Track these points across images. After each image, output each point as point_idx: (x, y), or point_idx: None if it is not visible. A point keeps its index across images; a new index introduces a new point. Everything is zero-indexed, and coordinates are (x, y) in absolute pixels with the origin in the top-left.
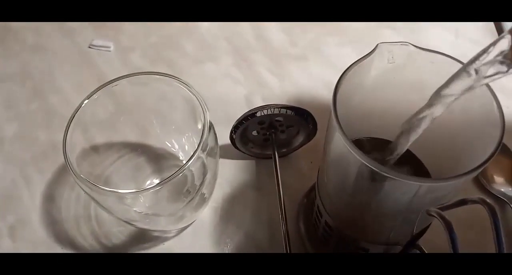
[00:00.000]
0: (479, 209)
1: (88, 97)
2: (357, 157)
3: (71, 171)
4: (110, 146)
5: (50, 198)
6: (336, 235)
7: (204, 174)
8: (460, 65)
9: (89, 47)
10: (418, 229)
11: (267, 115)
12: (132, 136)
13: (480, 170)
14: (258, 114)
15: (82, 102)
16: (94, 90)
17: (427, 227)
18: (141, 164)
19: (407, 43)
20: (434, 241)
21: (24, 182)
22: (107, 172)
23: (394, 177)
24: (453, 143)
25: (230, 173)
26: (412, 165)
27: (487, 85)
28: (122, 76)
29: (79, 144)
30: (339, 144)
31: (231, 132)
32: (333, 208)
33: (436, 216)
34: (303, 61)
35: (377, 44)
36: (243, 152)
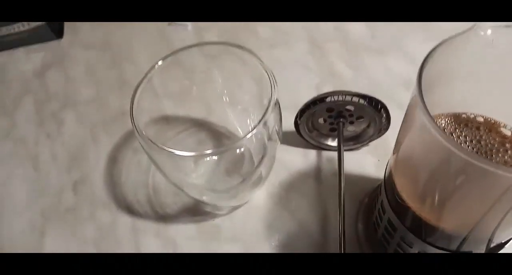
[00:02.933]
0: None
1: (156, 64)
2: (444, 142)
3: (134, 127)
4: (175, 118)
5: (113, 160)
6: (398, 236)
7: (262, 154)
8: None
9: (169, 24)
10: (497, 239)
11: (337, 101)
12: (198, 110)
13: None
14: (328, 99)
15: (150, 69)
16: (164, 57)
17: (504, 243)
18: (203, 139)
19: (509, 24)
20: None
21: (92, 142)
22: (169, 143)
23: (486, 166)
24: None
25: (291, 160)
26: None
27: None
28: (192, 44)
29: (146, 110)
30: (424, 128)
31: (296, 116)
32: (407, 199)
33: None
34: (382, 55)
35: (475, 23)
36: (306, 140)
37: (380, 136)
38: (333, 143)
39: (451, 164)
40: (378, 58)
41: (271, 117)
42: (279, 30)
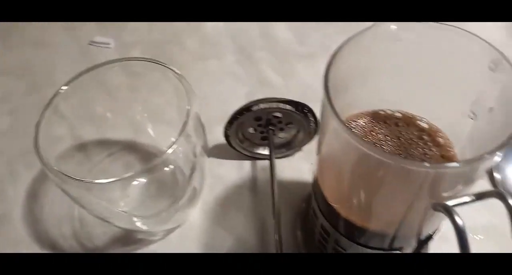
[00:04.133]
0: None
1: (71, 81)
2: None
3: (42, 162)
4: (97, 143)
5: (34, 195)
6: (332, 241)
7: (191, 170)
8: (473, 41)
9: (89, 44)
10: (424, 232)
11: (264, 109)
12: (122, 132)
13: (494, 155)
14: (254, 108)
15: (56, 94)
16: (78, 74)
17: (432, 234)
18: (131, 162)
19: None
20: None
21: (10, 177)
22: (94, 170)
23: (393, 162)
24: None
25: (225, 173)
26: None
27: None
28: (112, 60)
29: (59, 140)
30: (334, 129)
31: (225, 127)
32: (334, 203)
33: (443, 211)
34: (311, 59)
35: (373, 23)
36: (239, 151)
37: (311, 140)
38: (266, 151)
39: (366, 164)
40: (307, 63)
41: (191, 131)
42: (207, 42)
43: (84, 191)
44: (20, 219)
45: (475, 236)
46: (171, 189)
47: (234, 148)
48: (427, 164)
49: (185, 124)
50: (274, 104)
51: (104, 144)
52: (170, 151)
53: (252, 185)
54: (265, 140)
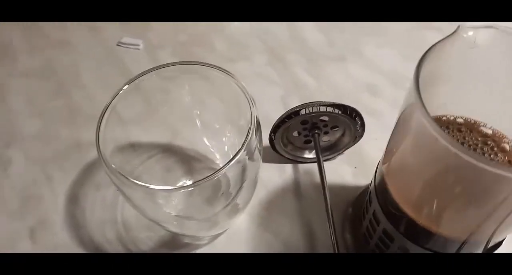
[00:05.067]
0: None
1: (117, 93)
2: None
3: (103, 161)
4: (139, 145)
5: (73, 199)
6: (395, 246)
7: (242, 179)
8: None
9: (118, 45)
10: (497, 239)
11: (312, 113)
12: (163, 135)
13: None
14: (302, 112)
15: (112, 99)
16: (122, 87)
17: (502, 241)
18: (172, 165)
19: (492, 26)
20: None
21: (46, 181)
22: (136, 171)
23: (491, 169)
24: None
25: (268, 177)
26: None
27: None
28: (149, 70)
29: (109, 140)
30: (422, 130)
31: (271, 132)
32: (407, 208)
33: None
34: (341, 62)
35: (458, 26)
36: (282, 155)
37: (355, 143)
38: (309, 155)
39: (453, 167)
40: (338, 65)
41: (253, 140)
42: (236, 43)
43: (139, 193)
44: (61, 224)
45: None
46: (219, 195)
47: (277, 152)
48: None
49: (248, 133)
50: (323, 108)
51: (145, 146)
52: (232, 163)
53: (296, 188)
54: (308, 143)
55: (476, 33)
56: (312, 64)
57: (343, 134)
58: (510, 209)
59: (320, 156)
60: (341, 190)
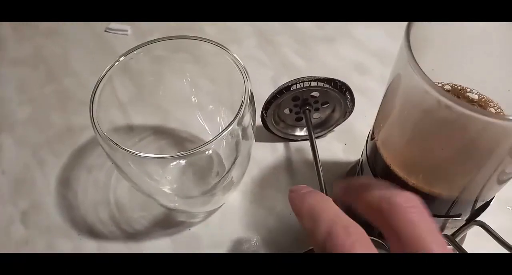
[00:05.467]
0: None
1: (105, 73)
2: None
3: (97, 131)
4: (132, 127)
5: (65, 182)
6: None
7: (235, 155)
8: None
9: (105, 30)
10: (485, 197)
11: (303, 88)
12: (156, 117)
13: None
14: (294, 87)
15: (99, 80)
16: (112, 65)
17: (489, 202)
18: (165, 147)
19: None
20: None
21: (37, 166)
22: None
23: (481, 116)
24: None
25: (260, 156)
26: None
27: None
28: (139, 45)
29: (100, 123)
30: (412, 85)
31: (263, 109)
32: (399, 169)
33: None
34: (330, 42)
35: None
36: (273, 133)
37: (345, 119)
38: (300, 133)
39: (445, 120)
40: (327, 45)
41: (246, 114)
42: (226, 28)
43: (133, 164)
44: (54, 207)
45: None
46: (211, 171)
47: (270, 130)
48: None
49: (240, 108)
50: (314, 83)
51: (134, 129)
52: (222, 136)
53: (288, 166)
54: (299, 121)
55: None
56: (302, 45)
57: (333, 111)
58: (497, 162)
59: (312, 133)
60: (333, 165)
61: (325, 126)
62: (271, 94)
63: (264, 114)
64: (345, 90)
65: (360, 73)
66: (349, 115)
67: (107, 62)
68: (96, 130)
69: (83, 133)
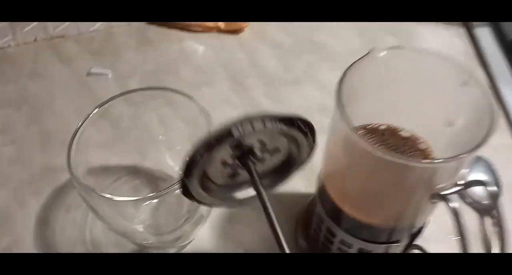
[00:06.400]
0: None
1: (87, 117)
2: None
3: (73, 176)
4: (106, 169)
5: (44, 221)
6: (338, 241)
7: None
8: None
9: (87, 74)
10: (417, 224)
11: (250, 133)
12: (131, 157)
13: (475, 152)
14: (236, 133)
15: (80, 125)
16: (90, 113)
17: (422, 227)
18: (140, 186)
19: (399, 46)
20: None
21: (18, 205)
22: (106, 192)
23: (393, 160)
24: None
25: None
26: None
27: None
28: (117, 95)
29: (77, 166)
30: (343, 135)
31: (183, 175)
32: (341, 204)
33: (439, 199)
34: (297, 85)
35: (371, 48)
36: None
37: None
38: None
39: (373, 164)
40: (293, 88)
41: None
42: (200, 70)
43: (107, 206)
44: (32, 245)
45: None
46: (181, 208)
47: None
48: (425, 160)
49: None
50: (269, 124)
51: (113, 169)
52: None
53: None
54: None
55: (386, 53)
56: (270, 88)
57: (288, 156)
58: (420, 196)
59: (262, 190)
60: (294, 200)
61: (275, 176)
62: (192, 150)
63: (186, 182)
64: (308, 130)
65: (322, 114)
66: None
67: (89, 104)
68: (72, 175)
69: (63, 173)
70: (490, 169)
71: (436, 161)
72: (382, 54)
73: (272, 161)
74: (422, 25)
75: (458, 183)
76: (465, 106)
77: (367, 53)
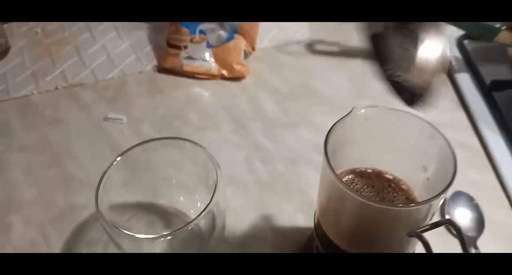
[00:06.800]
0: None
1: (110, 166)
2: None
3: (101, 216)
4: (126, 205)
5: None
6: None
7: (213, 228)
8: (417, 118)
9: (104, 119)
10: None
11: None
12: (146, 195)
13: (440, 196)
14: None
15: (106, 171)
16: (115, 159)
17: None
18: (154, 221)
19: (376, 106)
20: None
21: (43, 242)
22: (124, 227)
23: (374, 204)
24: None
25: (233, 226)
26: None
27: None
28: (135, 145)
29: (102, 203)
30: (331, 180)
31: None
32: (334, 239)
33: (415, 236)
34: (293, 127)
35: (353, 107)
36: None
37: None
38: None
39: (357, 207)
40: (291, 130)
41: (219, 195)
42: (207, 115)
43: (128, 242)
44: None
45: None
46: (194, 243)
47: None
48: (399, 205)
49: (214, 192)
50: None
51: (129, 206)
52: (201, 216)
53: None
54: None
55: (366, 111)
56: (270, 130)
57: None
58: (400, 233)
59: None
60: (295, 233)
61: None
62: None
63: None
64: None
65: (318, 154)
66: None
67: (106, 147)
68: (99, 212)
69: (83, 211)
70: (472, 203)
71: (407, 205)
72: (361, 111)
73: None
74: None
75: (430, 222)
76: (434, 155)
77: (349, 112)
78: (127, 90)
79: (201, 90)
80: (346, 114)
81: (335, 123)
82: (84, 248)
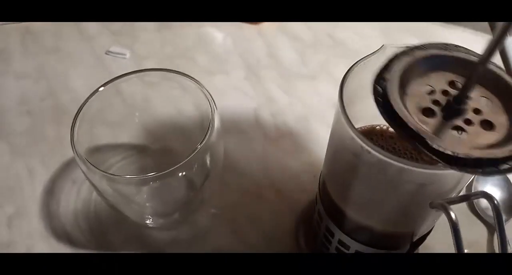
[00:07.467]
0: None
1: (94, 92)
2: (362, 144)
3: (75, 152)
4: (115, 146)
5: (50, 192)
6: (336, 241)
7: (205, 176)
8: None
9: (106, 53)
10: (419, 232)
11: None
12: (138, 137)
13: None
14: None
15: (88, 98)
16: (103, 84)
17: (427, 234)
18: (146, 166)
19: (412, 45)
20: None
21: (28, 174)
22: (112, 170)
23: (394, 162)
24: None
25: (232, 181)
26: None
27: None
28: (131, 72)
29: (85, 141)
30: (344, 131)
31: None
32: (341, 204)
33: (440, 208)
34: (312, 80)
35: (382, 45)
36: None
37: None
38: None
39: (376, 167)
40: (309, 83)
41: (213, 140)
42: (216, 58)
43: (108, 184)
44: (37, 214)
45: None
46: (183, 191)
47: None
48: (427, 166)
49: (206, 134)
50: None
51: (120, 147)
52: (189, 158)
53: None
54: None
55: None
56: (285, 80)
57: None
58: (420, 202)
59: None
60: (298, 194)
61: None
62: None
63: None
64: None
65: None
66: None
67: (103, 81)
68: (74, 150)
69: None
70: (505, 182)
71: (432, 166)
72: (393, 51)
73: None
74: (448, 29)
75: (461, 194)
76: None
77: (377, 50)
78: (134, 24)
79: (214, 31)
80: (373, 52)
81: (356, 62)
82: (68, 188)
